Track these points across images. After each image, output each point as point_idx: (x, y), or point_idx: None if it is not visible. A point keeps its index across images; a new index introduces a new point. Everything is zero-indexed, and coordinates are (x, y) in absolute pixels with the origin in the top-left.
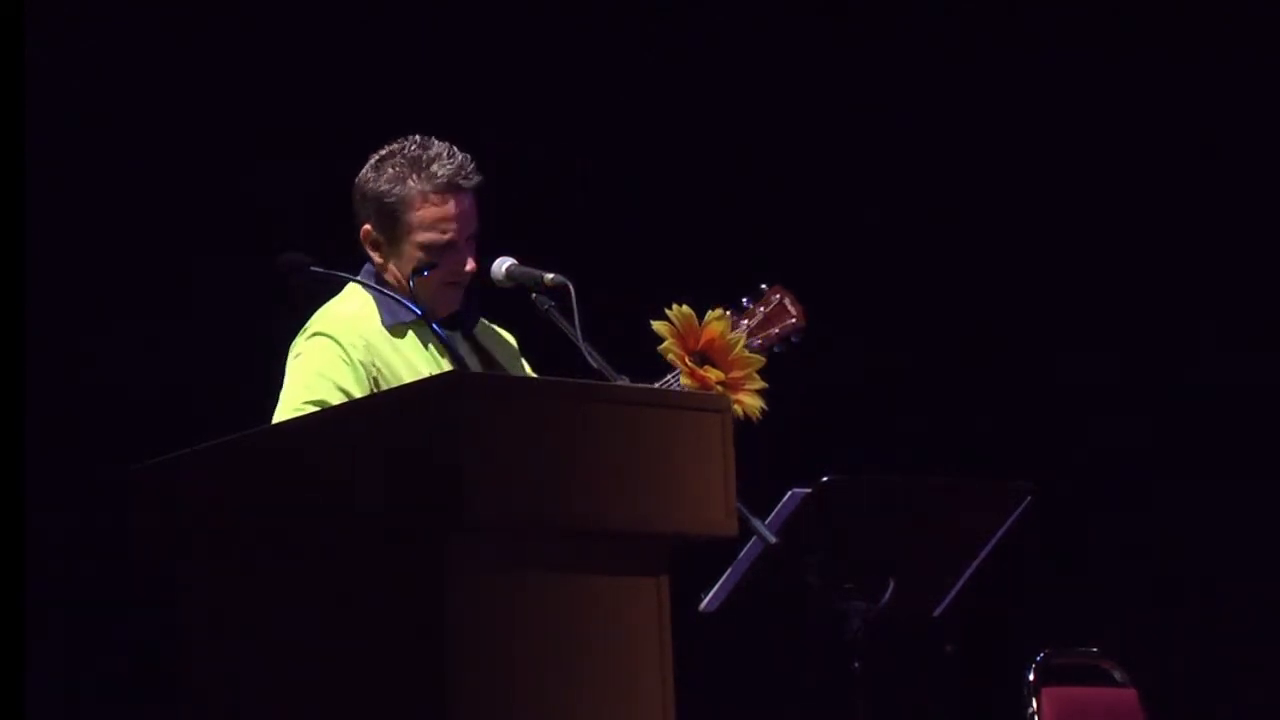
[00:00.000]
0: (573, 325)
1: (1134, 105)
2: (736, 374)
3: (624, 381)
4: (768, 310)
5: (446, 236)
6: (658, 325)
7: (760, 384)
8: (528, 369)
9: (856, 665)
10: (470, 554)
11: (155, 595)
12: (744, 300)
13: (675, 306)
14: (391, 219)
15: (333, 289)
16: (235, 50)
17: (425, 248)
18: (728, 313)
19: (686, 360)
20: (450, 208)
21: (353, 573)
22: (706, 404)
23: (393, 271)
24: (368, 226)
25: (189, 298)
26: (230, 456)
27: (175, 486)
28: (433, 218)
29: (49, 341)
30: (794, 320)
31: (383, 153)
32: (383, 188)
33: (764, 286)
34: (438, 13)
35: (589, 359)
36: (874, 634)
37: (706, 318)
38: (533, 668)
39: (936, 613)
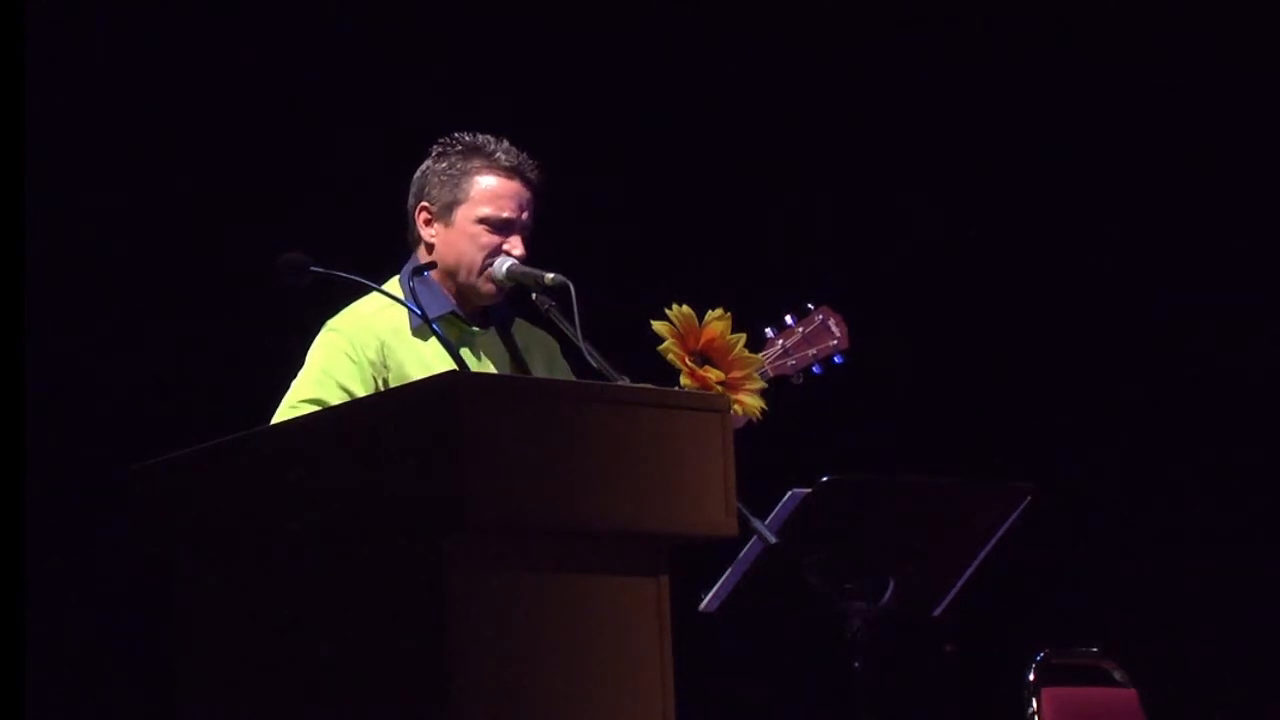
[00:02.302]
0: (573, 325)
1: (1133, 113)
2: (736, 374)
3: (624, 381)
4: (808, 330)
5: (505, 213)
6: (658, 325)
7: (760, 384)
8: (568, 370)
9: (856, 665)
10: (470, 554)
11: (154, 594)
12: (788, 318)
13: (675, 306)
14: (454, 186)
15: (332, 289)
16: (235, 49)
17: (483, 221)
18: (727, 313)
19: (686, 360)
20: (514, 186)
21: (352, 572)
22: (706, 404)
23: (439, 255)
24: (425, 204)
25: (189, 298)
26: (230, 456)
27: (175, 486)
28: (493, 189)
29: (49, 341)
30: (836, 342)
31: (441, 145)
32: (444, 165)
33: (810, 306)
34: (440, 12)
35: (589, 359)
36: (874, 634)
37: (706, 317)
38: (533, 668)
39: (936, 613)
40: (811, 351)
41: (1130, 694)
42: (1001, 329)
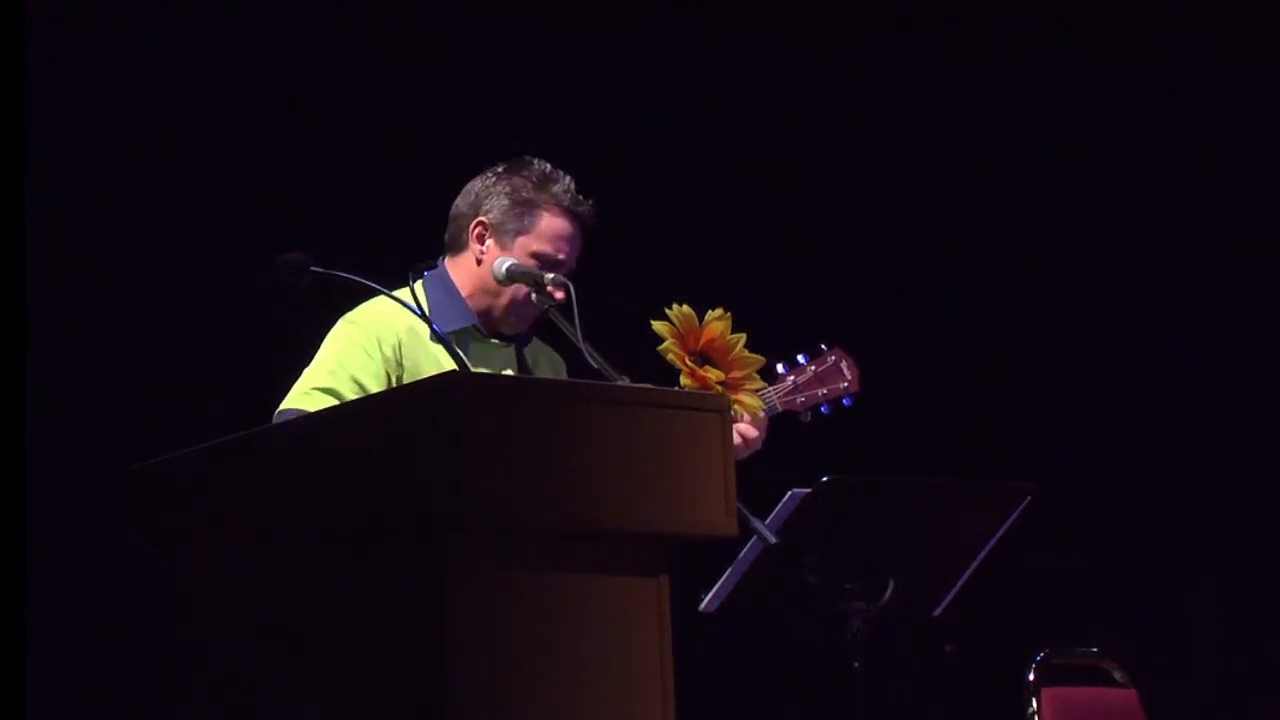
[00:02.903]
0: (573, 325)
1: (1133, 113)
2: (736, 374)
3: (624, 381)
4: (820, 370)
5: (560, 255)
6: (658, 325)
7: (760, 384)
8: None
9: (856, 665)
10: (470, 554)
11: (154, 595)
12: (800, 357)
13: (675, 306)
14: (521, 213)
15: (332, 289)
16: (235, 49)
17: (536, 255)
18: (727, 311)
19: (686, 360)
20: (574, 231)
21: (352, 573)
22: (706, 404)
23: (480, 271)
24: (484, 219)
25: (189, 297)
26: (230, 456)
27: (175, 486)
28: (557, 231)
29: (49, 341)
30: (846, 385)
31: (507, 165)
32: (518, 183)
33: (823, 346)
34: (440, 12)
35: (589, 359)
36: (874, 634)
37: (706, 317)
38: (533, 668)
39: (936, 613)
40: (821, 391)
41: (1130, 694)
42: (1001, 329)
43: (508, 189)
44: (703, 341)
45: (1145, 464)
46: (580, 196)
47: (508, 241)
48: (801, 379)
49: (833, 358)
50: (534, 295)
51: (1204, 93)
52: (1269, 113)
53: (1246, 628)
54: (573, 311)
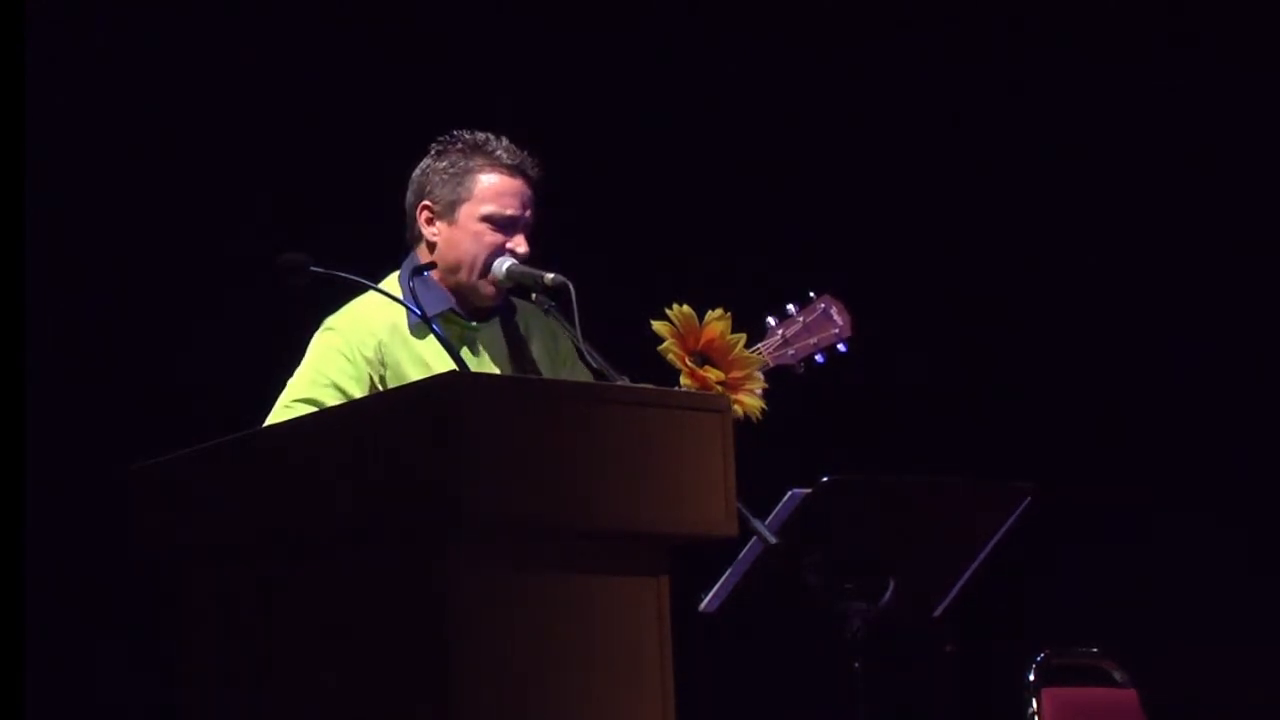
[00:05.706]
0: (573, 325)
1: (1134, 113)
2: (736, 374)
3: (624, 381)
4: (809, 319)
5: (509, 211)
6: (658, 325)
7: (760, 384)
8: (571, 350)
9: (856, 665)
10: (470, 554)
11: (154, 595)
12: (789, 307)
13: (675, 306)
14: (457, 184)
15: (332, 289)
16: (235, 49)
17: (486, 218)
18: (727, 311)
19: (686, 360)
20: (516, 184)
21: (353, 573)
22: (706, 404)
23: (441, 254)
24: (427, 202)
25: (189, 297)
26: (230, 456)
27: (175, 486)
28: (497, 188)
29: (49, 341)
30: (838, 330)
31: (441, 143)
32: (445, 163)
33: (812, 295)
34: (440, 12)
35: (589, 359)
36: (874, 634)
37: (706, 318)
38: (533, 668)
39: (936, 613)
40: (813, 340)
41: (1130, 694)
42: (1002, 329)
43: (442, 165)
44: (703, 341)
45: (1146, 463)
46: (514, 147)
47: (454, 216)
48: (790, 331)
49: (822, 305)
50: (534, 296)
51: (1204, 93)
52: (1269, 113)
53: (1246, 627)
54: (573, 311)
